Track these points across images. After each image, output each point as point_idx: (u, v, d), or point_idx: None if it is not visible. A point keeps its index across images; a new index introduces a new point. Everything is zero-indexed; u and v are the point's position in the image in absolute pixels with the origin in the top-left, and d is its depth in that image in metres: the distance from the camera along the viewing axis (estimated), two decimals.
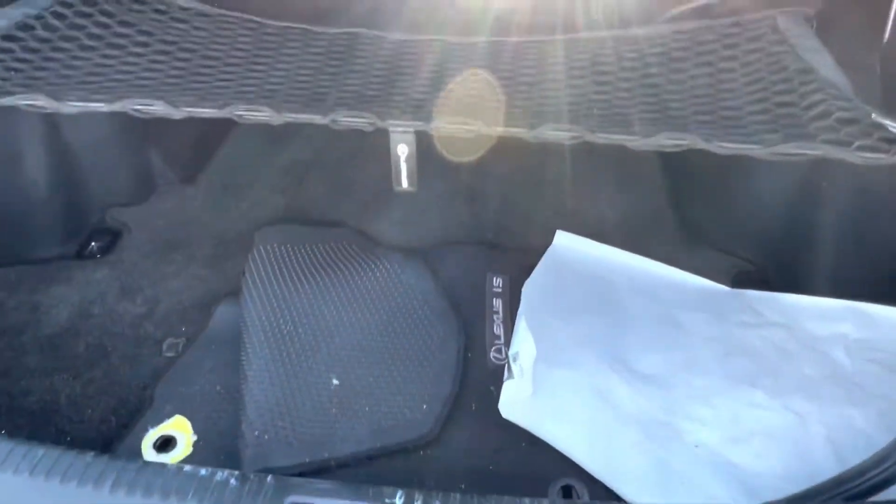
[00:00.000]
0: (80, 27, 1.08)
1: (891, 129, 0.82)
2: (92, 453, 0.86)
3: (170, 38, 1.10)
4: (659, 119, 0.92)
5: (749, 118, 0.90)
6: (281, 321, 1.32)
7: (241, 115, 0.90)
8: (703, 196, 1.61)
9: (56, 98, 0.89)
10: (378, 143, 1.96)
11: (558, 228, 1.60)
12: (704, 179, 1.61)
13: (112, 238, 1.61)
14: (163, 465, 0.84)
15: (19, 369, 1.30)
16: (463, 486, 1.07)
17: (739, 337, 1.37)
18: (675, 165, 1.75)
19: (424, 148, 1.95)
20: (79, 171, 1.59)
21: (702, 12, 1.12)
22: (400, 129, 0.91)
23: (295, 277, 1.43)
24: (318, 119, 0.89)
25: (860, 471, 0.92)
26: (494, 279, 1.49)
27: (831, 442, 1.17)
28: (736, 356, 1.33)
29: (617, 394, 1.24)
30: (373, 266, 1.48)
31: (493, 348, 1.33)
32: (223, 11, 1.18)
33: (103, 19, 1.11)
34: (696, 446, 1.17)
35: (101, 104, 0.89)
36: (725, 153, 0.82)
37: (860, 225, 1.38)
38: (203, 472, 0.84)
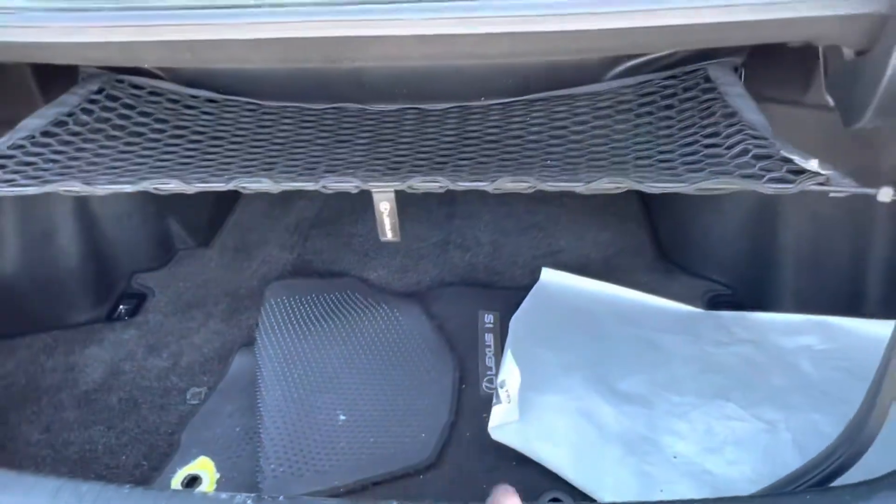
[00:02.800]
0: (106, 120, 1.25)
1: (797, 161, 0.95)
2: (128, 485, 0.99)
3: (182, 123, 1.27)
4: (604, 166, 1.06)
5: (679, 160, 1.03)
6: (292, 366, 1.46)
7: (244, 187, 1.05)
8: (678, 227, 1.75)
9: (88, 183, 1.05)
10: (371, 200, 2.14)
11: (544, 267, 1.73)
12: (678, 212, 1.75)
13: (138, 301, 1.77)
14: (190, 492, 0.97)
15: (59, 424, 1.44)
16: None
17: (713, 354, 1.49)
18: (654, 202, 1.89)
19: (421, 200, 2.13)
20: (106, 241, 1.76)
21: (642, 68, 1.27)
22: (380, 190, 1.06)
23: (303, 326, 1.57)
24: (310, 186, 1.04)
25: (815, 464, 1.02)
26: (486, 316, 1.62)
27: (798, 446, 1.27)
28: (710, 373, 1.44)
29: (601, 414, 1.35)
30: (373, 311, 1.61)
31: (486, 379, 1.45)
32: (227, 97, 1.35)
33: (125, 111, 1.28)
34: (675, 457, 1.28)
35: (127, 185, 1.05)
36: (656, 192, 0.96)
37: (816, 246, 1.50)
38: (224, 496, 0.97)
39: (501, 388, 1.30)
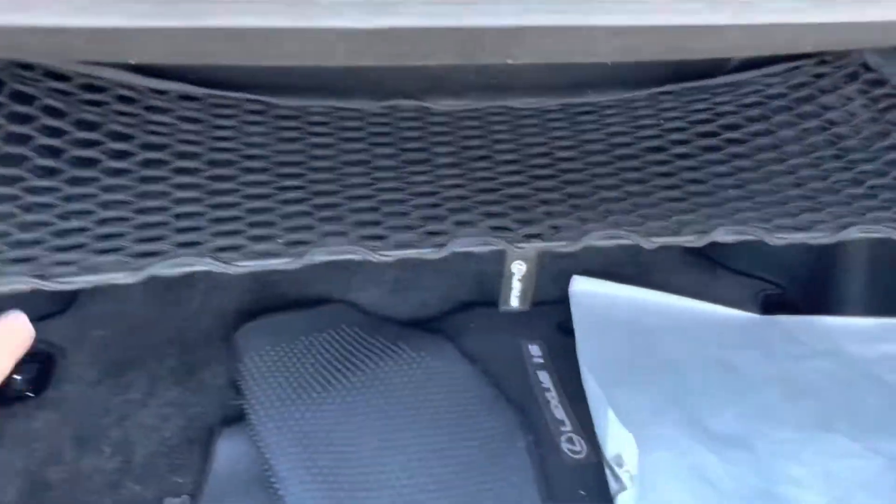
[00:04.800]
0: (23, 139, 0.75)
1: None
2: None
3: (155, 139, 0.80)
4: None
5: None
6: (315, 455, 1.07)
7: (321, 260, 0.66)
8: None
9: (46, 278, 0.59)
10: None
11: (569, 273, 1.45)
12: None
13: (42, 366, 1.25)
14: None
15: None
16: None
17: (794, 372, 1.32)
18: None
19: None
20: None
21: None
22: (522, 249, 0.72)
23: (308, 389, 1.17)
24: (431, 254, 0.68)
25: None
26: (530, 347, 1.32)
27: None
28: (799, 397, 1.27)
29: (711, 468, 1.13)
30: (393, 356, 1.25)
31: (563, 437, 1.17)
32: (213, 91, 0.87)
33: (52, 121, 0.77)
34: None
35: (127, 276, 0.61)
36: None
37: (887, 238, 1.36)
38: None
39: (620, 466, 1.03)
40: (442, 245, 0.69)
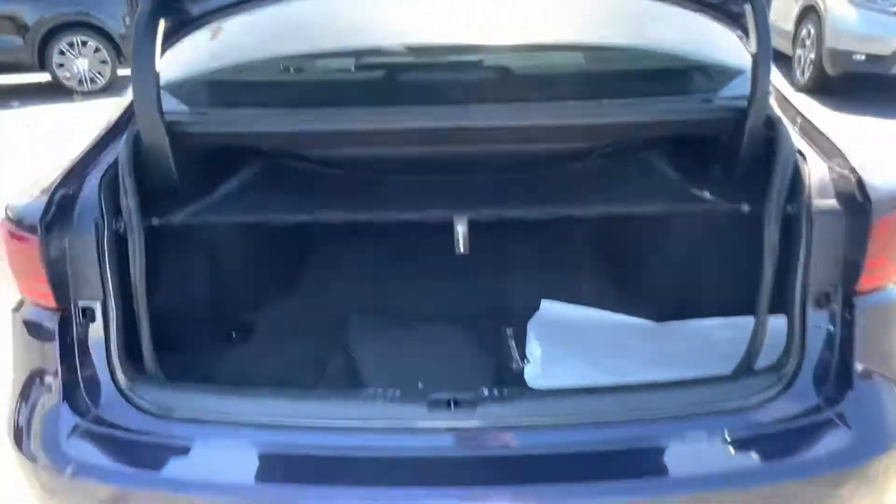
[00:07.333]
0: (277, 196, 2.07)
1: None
2: None
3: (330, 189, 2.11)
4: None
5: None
6: None
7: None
8: (631, 270, 2.54)
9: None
10: None
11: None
12: (628, 260, 2.55)
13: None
14: None
15: None
16: None
17: (659, 346, 2.21)
18: (613, 255, 2.69)
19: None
20: None
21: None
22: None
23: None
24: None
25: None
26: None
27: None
28: (658, 361, 2.14)
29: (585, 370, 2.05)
30: None
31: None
32: (344, 170, 2.19)
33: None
34: None
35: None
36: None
37: (722, 279, 2.26)
38: None
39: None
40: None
